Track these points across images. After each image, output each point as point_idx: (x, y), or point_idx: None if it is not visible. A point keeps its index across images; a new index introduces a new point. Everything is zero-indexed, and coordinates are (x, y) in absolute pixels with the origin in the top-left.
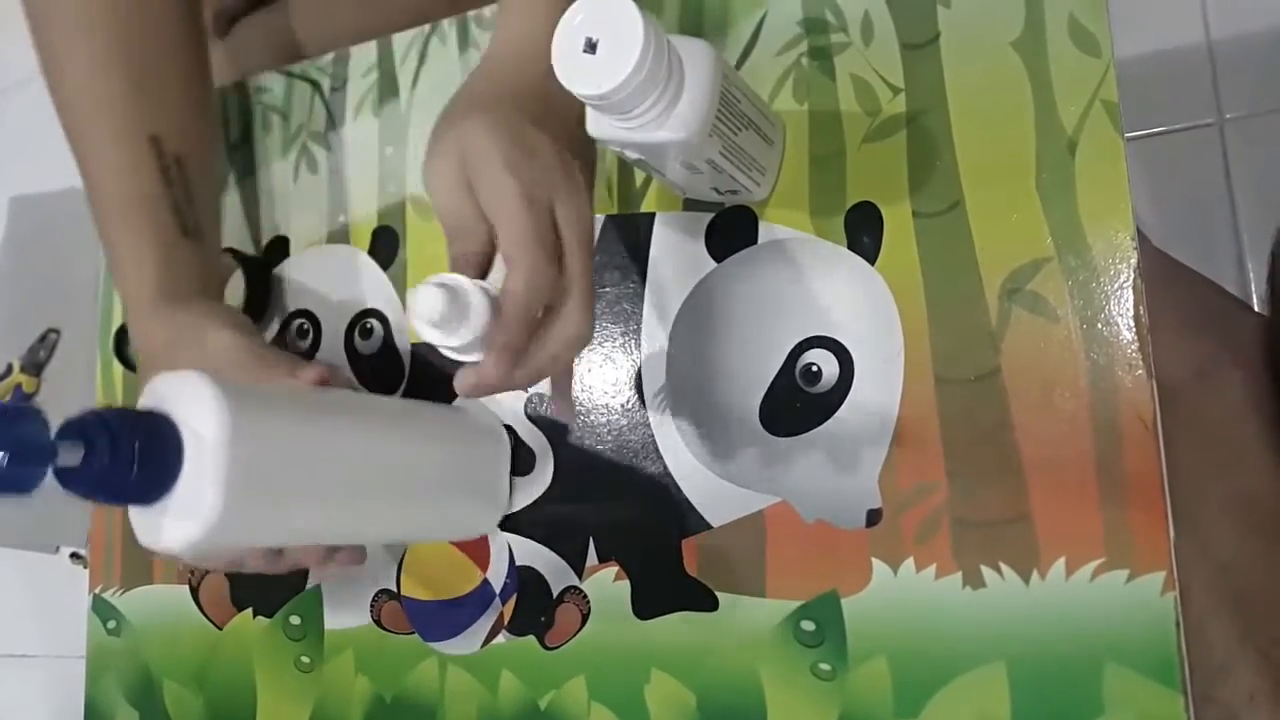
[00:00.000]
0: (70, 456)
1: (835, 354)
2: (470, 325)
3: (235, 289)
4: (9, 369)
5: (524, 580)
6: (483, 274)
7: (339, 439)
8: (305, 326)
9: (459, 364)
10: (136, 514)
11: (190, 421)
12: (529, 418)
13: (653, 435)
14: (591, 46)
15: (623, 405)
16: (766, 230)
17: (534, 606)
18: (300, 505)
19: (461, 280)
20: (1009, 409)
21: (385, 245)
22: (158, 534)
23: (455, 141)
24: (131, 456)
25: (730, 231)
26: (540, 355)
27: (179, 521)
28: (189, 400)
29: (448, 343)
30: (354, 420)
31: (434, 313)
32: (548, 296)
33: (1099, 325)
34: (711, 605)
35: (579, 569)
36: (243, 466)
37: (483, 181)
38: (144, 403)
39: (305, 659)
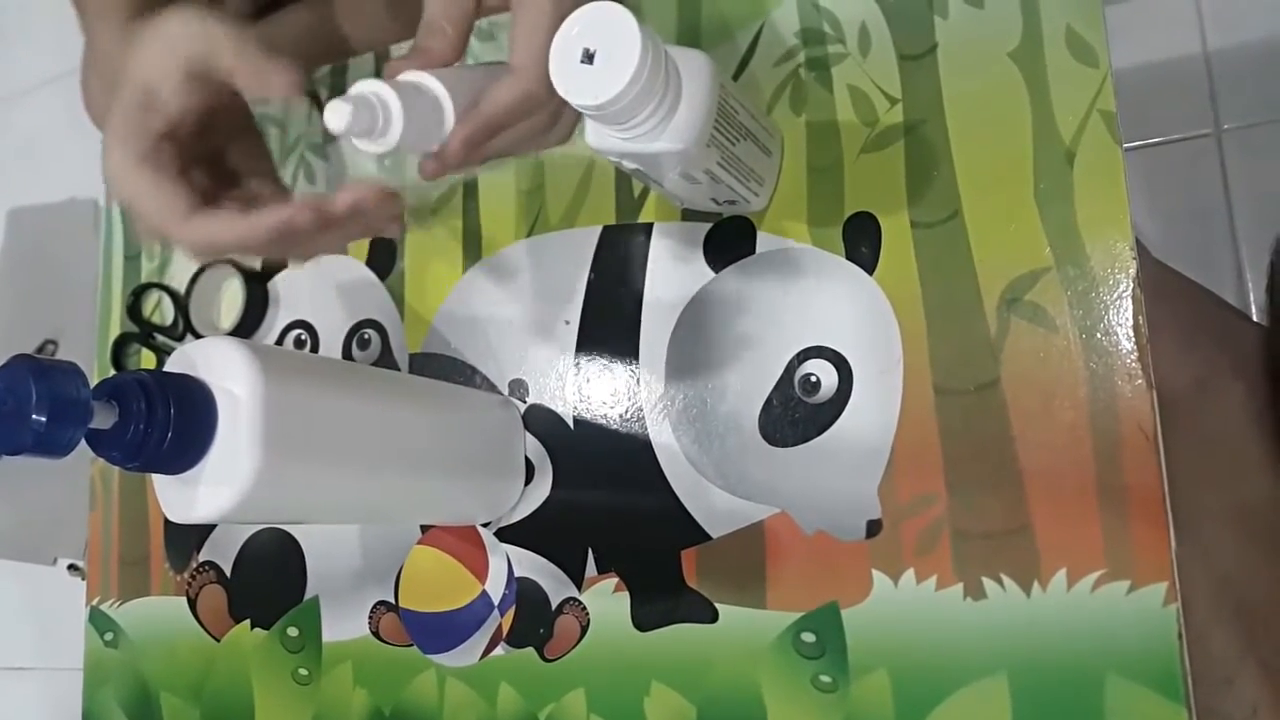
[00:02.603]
0: (104, 418)
1: (834, 364)
2: (394, 128)
3: (233, 300)
4: None
5: (523, 592)
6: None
7: (365, 402)
8: (303, 337)
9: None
10: (165, 486)
11: (223, 384)
12: (528, 429)
13: (651, 446)
14: (589, 57)
15: (621, 416)
16: (765, 240)
17: (533, 618)
18: (329, 471)
19: (378, 88)
20: (1009, 419)
21: (383, 255)
22: (190, 505)
23: None
24: (167, 419)
25: (728, 242)
26: (498, 143)
27: (213, 488)
28: (219, 363)
29: (377, 150)
30: (377, 385)
31: (340, 126)
32: (527, 117)
33: (1098, 335)
34: (711, 617)
35: (578, 580)
36: (277, 428)
37: None
38: (171, 368)
39: (303, 671)
